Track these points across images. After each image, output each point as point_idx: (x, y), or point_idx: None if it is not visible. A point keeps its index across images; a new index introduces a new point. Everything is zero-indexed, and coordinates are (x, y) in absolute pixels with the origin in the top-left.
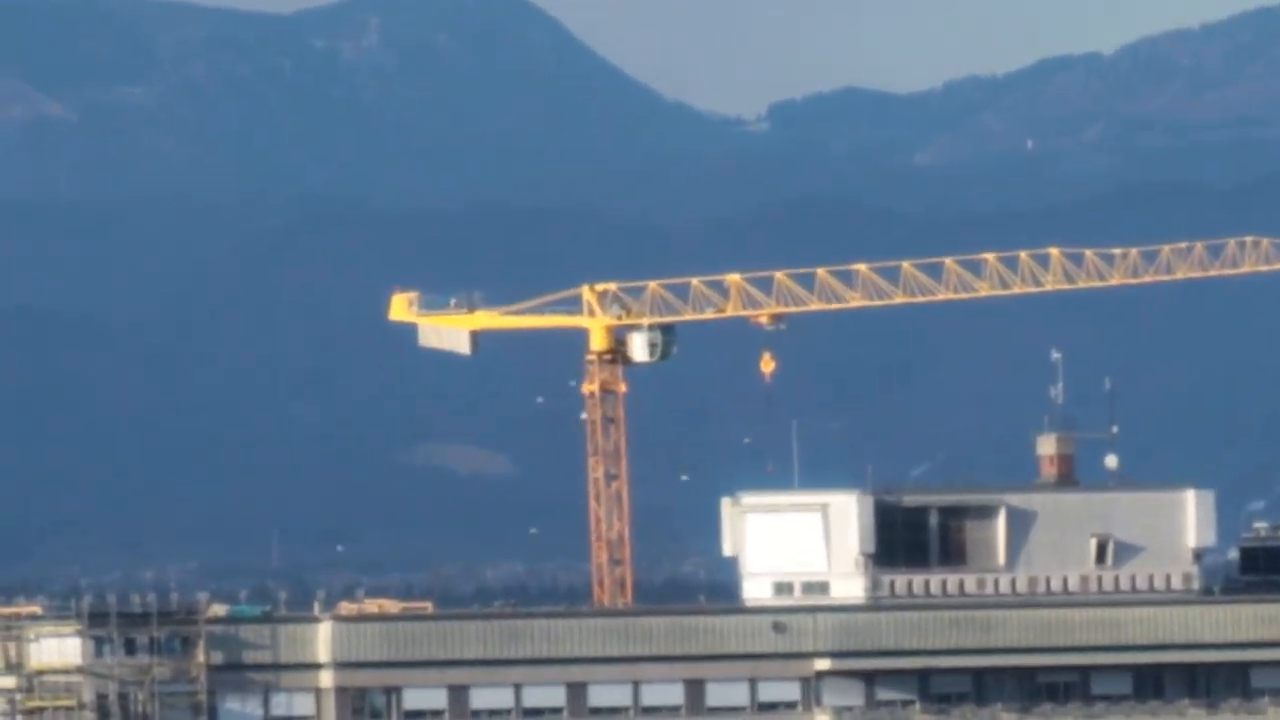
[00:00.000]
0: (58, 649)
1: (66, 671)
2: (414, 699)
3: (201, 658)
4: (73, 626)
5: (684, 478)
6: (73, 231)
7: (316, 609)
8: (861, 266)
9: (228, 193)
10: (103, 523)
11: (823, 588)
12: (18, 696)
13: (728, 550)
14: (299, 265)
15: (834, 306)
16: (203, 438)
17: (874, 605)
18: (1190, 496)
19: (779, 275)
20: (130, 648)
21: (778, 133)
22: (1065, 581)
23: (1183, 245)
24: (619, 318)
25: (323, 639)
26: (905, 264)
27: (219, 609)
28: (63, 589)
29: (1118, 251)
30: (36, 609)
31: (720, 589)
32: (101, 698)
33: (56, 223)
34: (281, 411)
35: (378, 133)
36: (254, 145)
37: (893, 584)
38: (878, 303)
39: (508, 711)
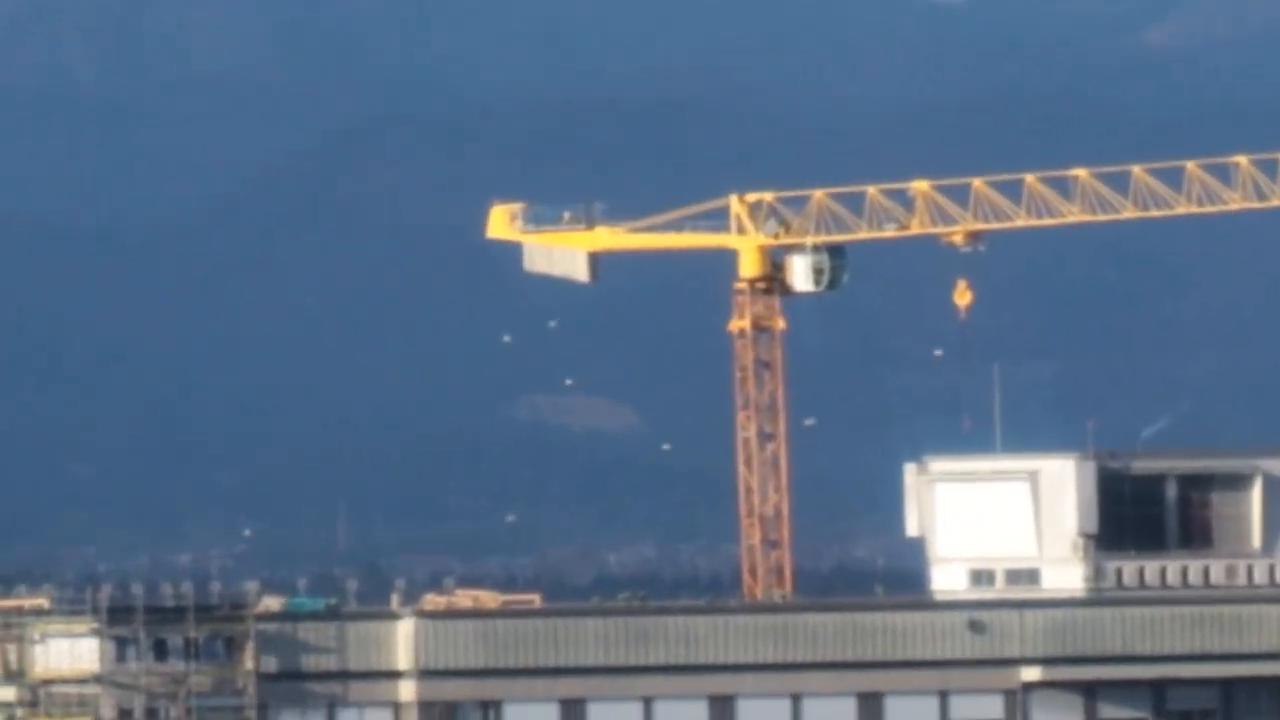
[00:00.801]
0: (69, 652)
1: (80, 681)
2: (517, 716)
3: (250, 664)
4: (88, 624)
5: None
6: (88, 124)
7: (395, 603)
8: (1081, 172)
9: (286, 80)
10: (125, 493)
11: (1032, 577)
12: (19, 712)
13: (912, 529)
14: (374, 171)
15: (1046, 222)
16: (251, 386)
17: (1096, 599)
18: None
19: (977, 183)
20: (161, 651)
21: (977, 8)
22: None
23: None
24: (776, 236)
25: (402, 641)
26: (1136, 169)
27: (272, 602)
28: (76, 576)
29: None
30: (43, 602)
31: (902, 578)
32: (125, 714)
33: (68, 113)
34: (350, 354)
35: (473, 6)
36: (318, 23)
37: (1120, 572)
38: (1101, 217)
39: None
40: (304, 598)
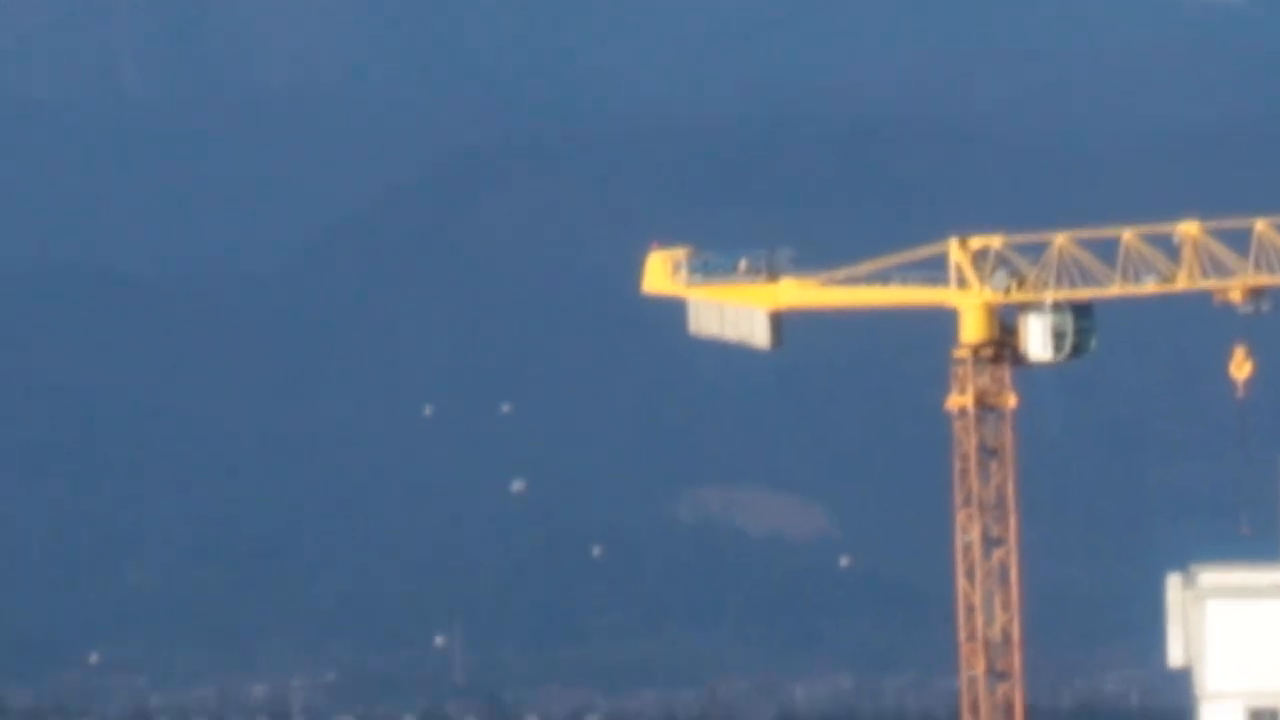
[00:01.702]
0: None
1: None
2: None
3: None
4: None
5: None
6: (148, 150)
7: None
8: None
9: (387, 98)
10: (186, 607)
11: None
12: None
13: (1175, 659)
14: (500, 208)
15: None
16: (347, 475)
17: None
18: None
19: (1260, 225)
20: None
21: (1262, 7)
22: None
23: None
24: (1006, 291)
25: None
26: None
27: None
28: (122, 712)
29: None
30: None
31: (1163, 719)
32: None
33: (125, 137)
34: (471, 433)
35: (628, 7)
36: (428, 26)
37: None
38: None
39: None
40: None
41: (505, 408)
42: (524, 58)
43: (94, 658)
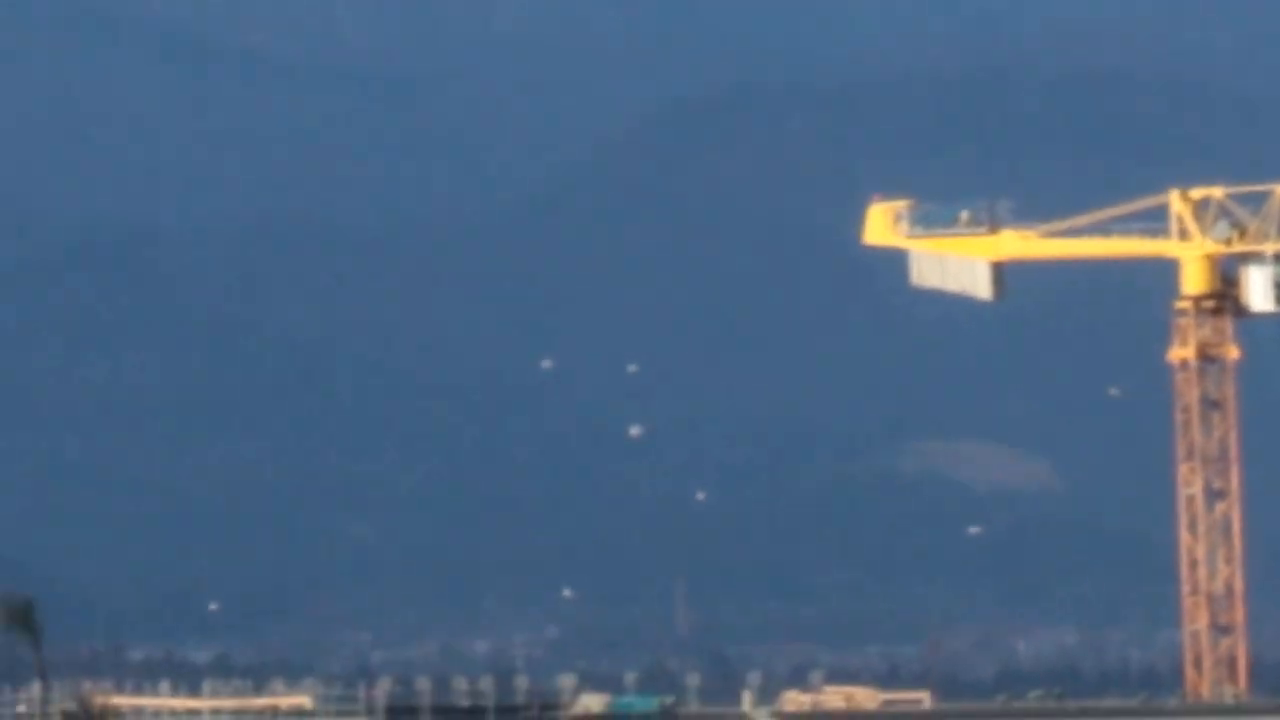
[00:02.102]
0: None
1: None
2: None
3: None
4: None
5: None
6: (368, 102)
7: (746, 702)
8: None
9: (610, 46)
10: (410, 562)
11: None
12: None
13: None
14: (725, 157)
15: None
16: (571, 428)
17: None
18: None
19: None
20: None
21: None
22: None
23: None
24: (1228, 242)
25: None
26: None
27: (593, 701)
28: (346, 668)
29: None
30: (304, 700)
31: None
32: None
33: (342, 88)
34: (693, 386)
35: None
36: None
37: None
38: None
39: None
40: (633, 696)
41: (726, 361)
42: (745, 7)
43: (317, 613)
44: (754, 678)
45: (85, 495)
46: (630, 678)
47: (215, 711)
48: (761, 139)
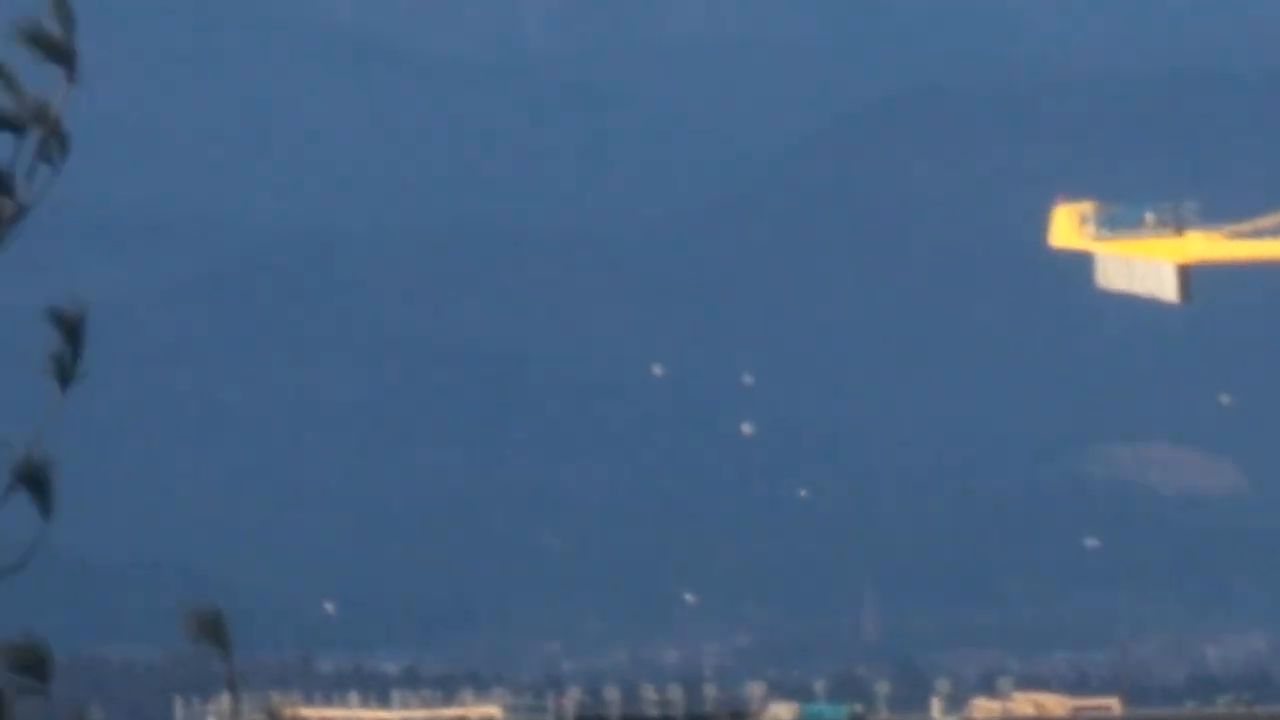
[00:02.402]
0: None
1: None
2: None
3: None
4: None
5: None
6: (548, 105)
7: (935, 709)
8: None
9: (792, 48)
10: (600, 571)
11: None
12: None
13: None
14: (909, 158)
15: None
16: (757, 435)
17: None
18: None
19: None
20: None
21: None
22: None
23: None
24: None
25: None
26: None
27: (783, 710)
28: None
29: None
30: (493, 711)
31: None
32: None
33: (523, 91)
34: (877, 390)
35: None
36: None
37: None
38: None
39: None
40: (822, 704)
41: (911, 365)
42: (933, 9)
43: (506, 623)
44: (943, 685)
45: (274, 505)
46: (819, 686)
47: None
48: (948, 141)
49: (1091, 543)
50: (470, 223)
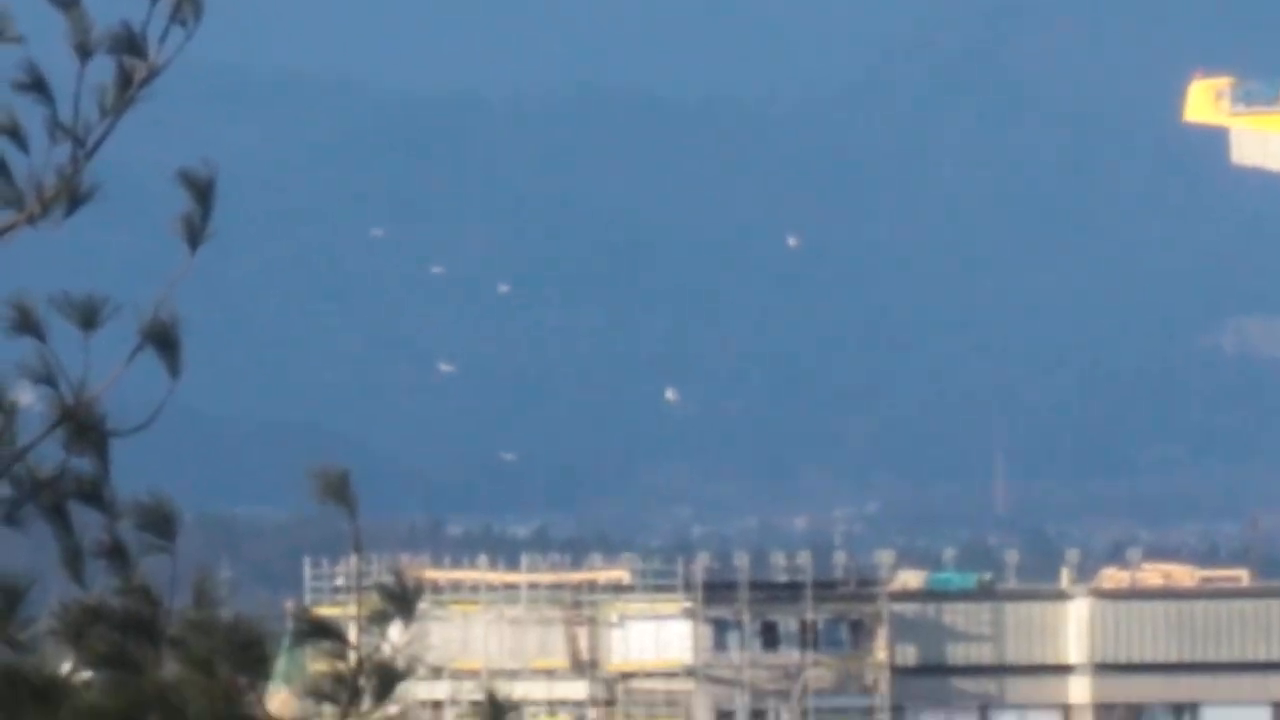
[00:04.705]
0: (654, 639)
1: (669, 674)
2: None
3: (882, 655)
4: (679, 604)
5: None
6: None
7: (1065, 579)
8: None
9: None
10: (730, 436)
11: None
12: (591, 713)
13: None
14: (1043, 35)
15: None
16: (890, 305)
17: None
18: None
19: None
20: (770, 638)
21: None
22: None
23: None
24: None
25: (1074, 627)
26: None
27: (911, 578)
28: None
29: None
30: (622, 575)
31: None
32: (724, 715)
33: None
34: (1013, 264)
35: None
36: None
37: None
38: None
39: None
40: (951, 573)
41: (1044, 240)
42: None
43: (637, 487)
44: (1072, 555)
45: (407, 368)
46: (948, 554)
47: (533, 586)
48: (1080, 17)
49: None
50: (608, 89)
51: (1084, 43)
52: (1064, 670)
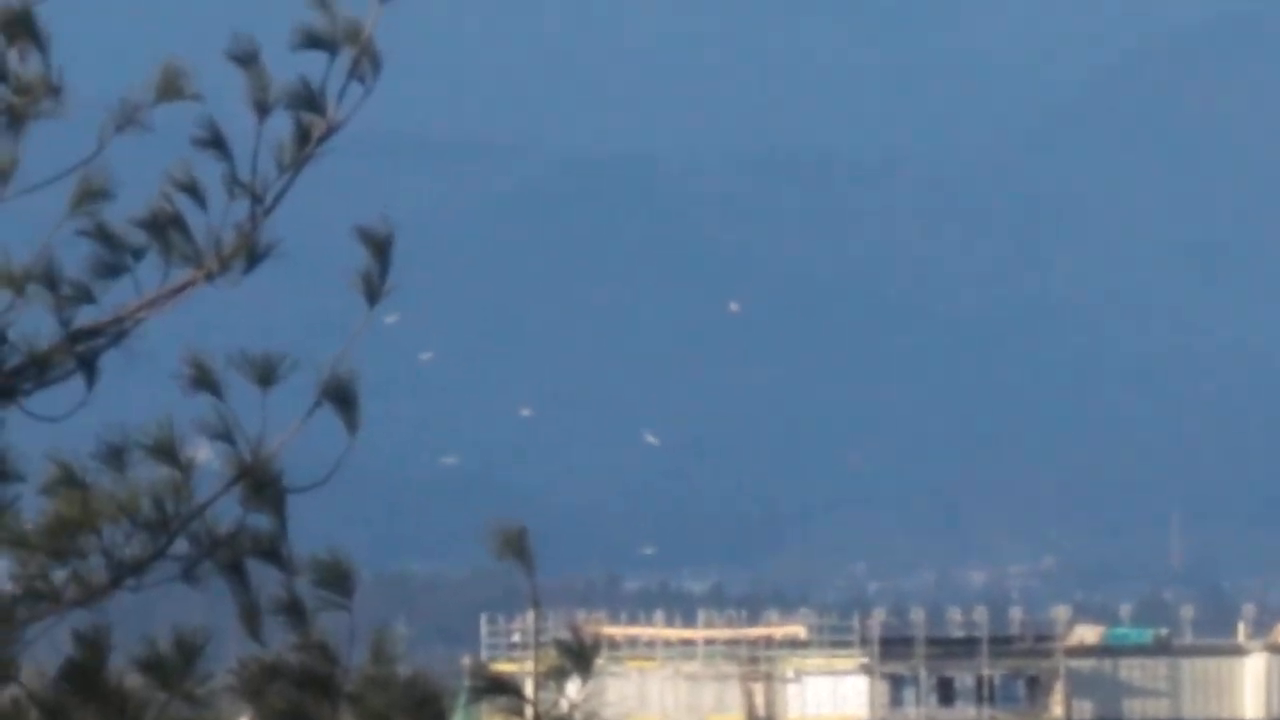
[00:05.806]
0: (831, 695)
1: None
2: None
3: (1059, 709)
4: (855, 659)
5: None
6: (863, 37)
7: (1241, 634)
8: None
9: None
10: (906, 489)
11: None
12: None
13: None
14: (1218, 89)
15: None
16: (1065, 357)
17: None
18: None
19: None
20: (946, 694)
21: None
22: None
23: None
24: None
25: (1251, 682)
26: None
27: (1088, 633)
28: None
29: None
30: (799, 630)
31: None
32: None
33: (839, 25)
34: (1184, 314)
35: None
36: None
37: None
38: None
39: None
40: (1127, 628)
41: (1218, 280)
42: None
43: (813, 543)
44: (1249, 609)
45: (584, 421)
46: (1125, 610)
47: (709, 641)
48: (1258, 68)
49: None
50: (786, 149)
51: (1266, 94)
52: None
